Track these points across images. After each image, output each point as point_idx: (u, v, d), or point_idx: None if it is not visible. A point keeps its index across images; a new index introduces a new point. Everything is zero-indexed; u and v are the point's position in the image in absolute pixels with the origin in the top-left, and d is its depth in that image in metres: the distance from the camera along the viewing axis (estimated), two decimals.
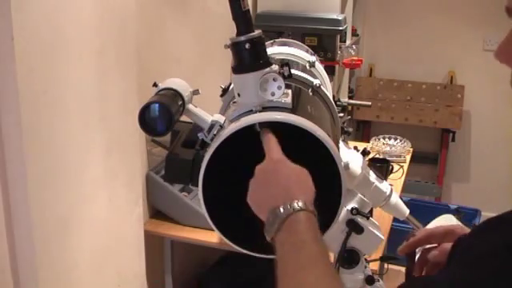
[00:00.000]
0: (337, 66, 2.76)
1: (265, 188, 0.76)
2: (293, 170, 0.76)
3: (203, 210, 0.85)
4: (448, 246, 0.94)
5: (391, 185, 1.20)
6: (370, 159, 2.27)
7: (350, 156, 1.11)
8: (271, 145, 0.79)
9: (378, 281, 1.13)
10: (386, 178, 1.18)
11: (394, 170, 2.38)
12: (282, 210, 0.72)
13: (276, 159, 0.77)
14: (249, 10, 0.83)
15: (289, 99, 0.86)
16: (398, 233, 1.72)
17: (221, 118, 0.85)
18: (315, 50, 1.54)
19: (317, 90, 1.03)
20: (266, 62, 0.84)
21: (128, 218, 1.77)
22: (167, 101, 0.84)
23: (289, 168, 0.77)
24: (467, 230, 0.99)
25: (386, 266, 1.30)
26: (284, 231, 0.71)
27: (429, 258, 0.98)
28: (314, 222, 0.72)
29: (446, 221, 1.40)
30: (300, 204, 0.72)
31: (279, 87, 0.83)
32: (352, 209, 1.07)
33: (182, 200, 1.98)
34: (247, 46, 0.82)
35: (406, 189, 2.58)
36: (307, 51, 1.25)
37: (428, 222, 1.37)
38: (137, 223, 1.83)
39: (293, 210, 0.71)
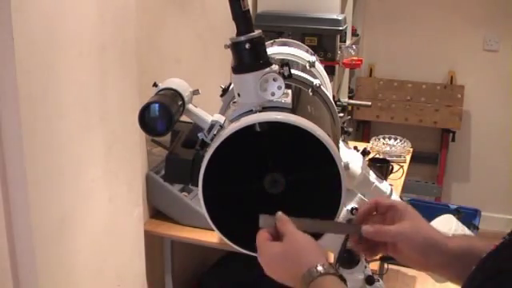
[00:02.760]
0: (337, 66, 2.77)
1: (285, 264, 0.78)
2: (307, 243, 0.78)
3: (203, 209, 0.85)
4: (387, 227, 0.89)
5: (391, 185, 1.20)
6: (370, 159, 2.27)
7: (350, 156, 1.11)
8: (287, 227, 0.79)
9: (378, 281, 1.13)
10: (386, 178, 1.18)
11: (394, 170, 2.38)
12: (308, 273, 0.74)
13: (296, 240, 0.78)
14: (249, 9, 0.84)
15: (289, 99, 0.86)
16: None
17: (221, 118, 0.85)
18: (315, 50, 1.54)
19: (317, 90, 1.03)
20: (266, 61, 0.84)
21: (128, 218, 1.77)
22: (167, 101, 0.84)
23: (301, 241, 0.78)
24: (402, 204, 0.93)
25: (385, 266, 1.30)
26: None
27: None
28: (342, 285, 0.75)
29: (446, 221, 1.40)
30: (325, 266, 0.74)
31: (279, 87, 0.83)
32: (352, 209, 1.07)
33: (182, 200, 1.98)
34: (247, 45, 0.83)
35: (405, 189, 2.58)
36: (307, 51, 1.25)
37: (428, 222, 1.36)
38: (137, 223, 1.83)
39: (319, 274, 0.73)
